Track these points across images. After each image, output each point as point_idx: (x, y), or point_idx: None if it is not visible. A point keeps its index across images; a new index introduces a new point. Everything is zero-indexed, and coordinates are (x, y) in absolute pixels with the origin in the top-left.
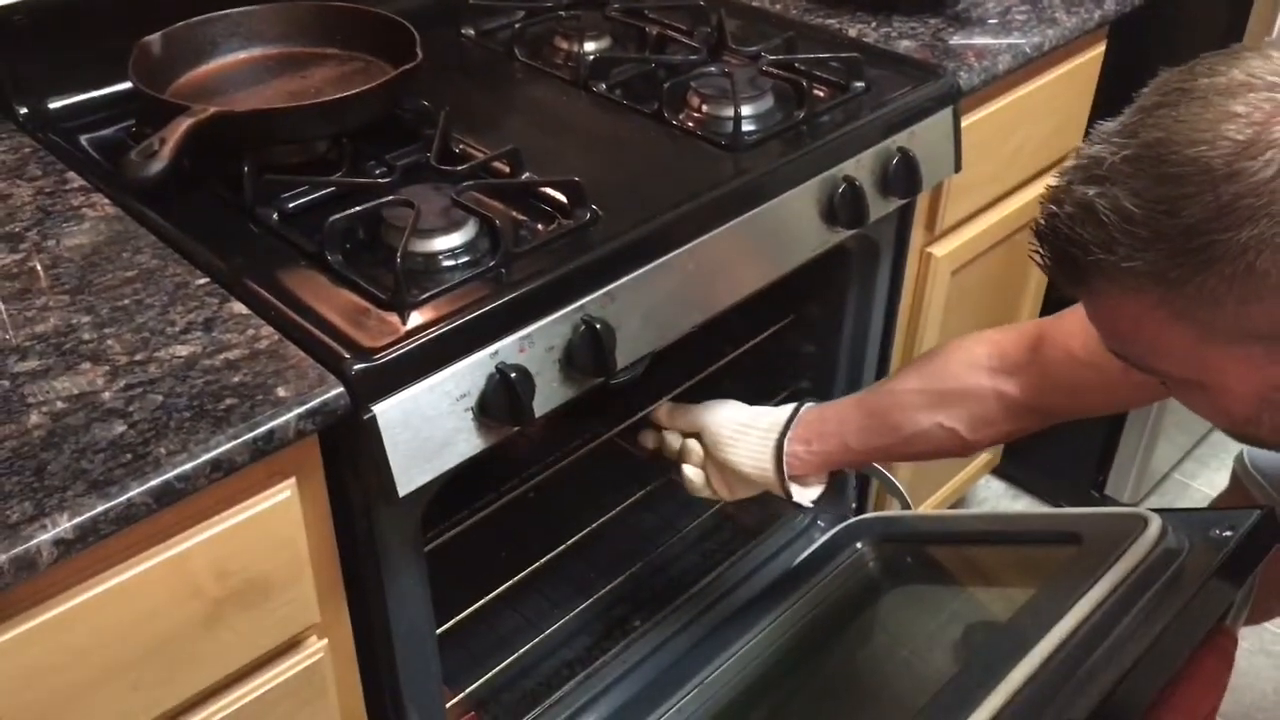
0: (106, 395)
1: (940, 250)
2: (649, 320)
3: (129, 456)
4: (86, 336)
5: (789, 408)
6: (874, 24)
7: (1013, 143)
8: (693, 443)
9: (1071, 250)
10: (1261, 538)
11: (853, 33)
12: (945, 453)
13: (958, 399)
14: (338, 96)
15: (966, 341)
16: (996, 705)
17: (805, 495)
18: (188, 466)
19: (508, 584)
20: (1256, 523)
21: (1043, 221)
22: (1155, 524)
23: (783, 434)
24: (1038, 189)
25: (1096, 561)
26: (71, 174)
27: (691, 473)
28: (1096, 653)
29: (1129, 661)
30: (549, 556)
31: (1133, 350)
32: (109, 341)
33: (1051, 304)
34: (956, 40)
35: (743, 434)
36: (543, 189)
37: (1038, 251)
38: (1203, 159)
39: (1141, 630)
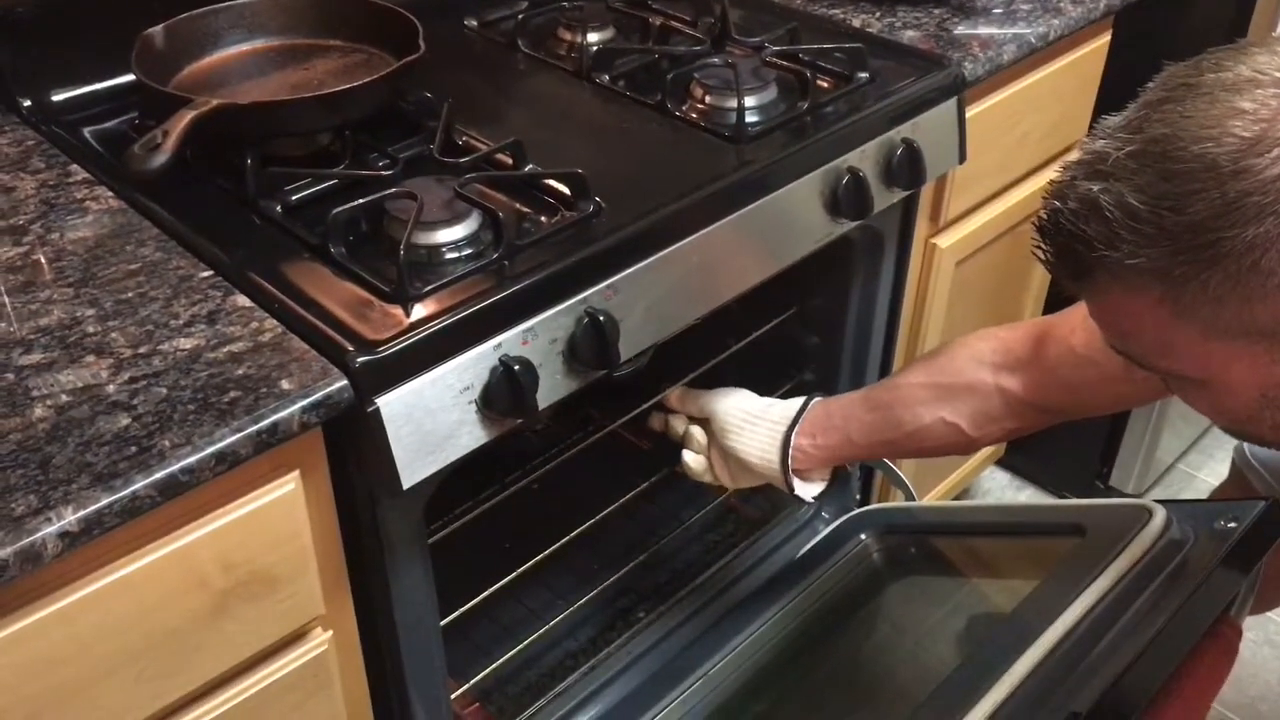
0: (111, 388)
1: (944, 241)
2: (652, 312)
3: (133, 449)
4: (90, 329)
5: (798, 401)
6: (878, 14)
7: (1017, 133)
8: (697, 429)
9: (1074, 246)
10: (1266, 529)
11: (856, 23)
12: (949, 449)
13: (961, 394)
14: (340, 88)
15: (972, 338)
16: (1001, 696)
17: (807, 490)
18: (192, 459)
19: (511, 576)
20: (1261, 514)
21: (1045, 216)
22: (1160, 515)
23: (790, 427)
24: (1042, 180)
25: (1101, 553)
26: (75, 166)
27: (691, 459)
28: (1101, 644)
29: (1133, 653)
30: (553, 548)
31: (1134, 347)
32: (113, 334)
33: (1055, 296)
34: (961, 30)
35: (751, 424)
36: (546, 181)
37: (1040, 247)
38: (1208, 155)
39: (1146, 621)
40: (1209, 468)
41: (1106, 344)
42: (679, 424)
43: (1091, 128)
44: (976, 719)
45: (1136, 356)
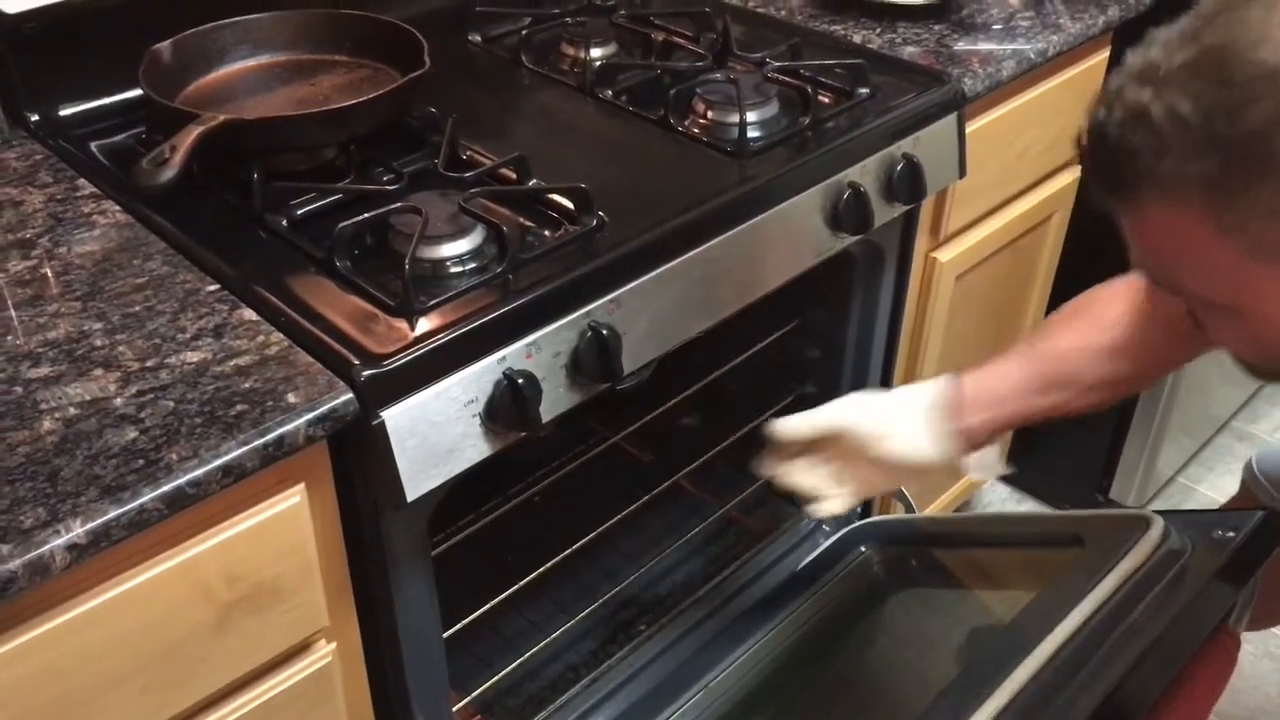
0: (118, 401)
1: (945, 255)
2: (655, 326)
3: (141, 462)
4: (98, 343)
5: (933, 386)
6: (878, 30)
7: (1017, 148)
8: (822, 480)
9: (1118, 158)
10: (1264, 539)
11: (857, 39)
12: (1120, 395)
13: (1122, 347)
14: (346, 104)
15: (1105, 292)
16: (1000, 704)
17: (989, 468)
18: (199, 472)
19: (514, 588)
20: (1259, 524)
21: (1088, 126)
22: (1158, 526)
23: (950, 414)
24: (1042, 195)
25: (1099, 563)
26: (82, 181)
27: (837, 505)
28: (1099, 652)
29: (1131, 661)
30: (555, 560)
31: (1169, 269)
32: (120, 348)
33: (1056, 306)
34: (961, 46)
35: (895, 425)
36: (549, 195)
37: (1080, 158)
38: (1267, 63)
39: (1144, 630)
40: (1209, 480)
41: (1135, 265)
42: (804, 477)
43: (1136, 44)
44: None
45: (1168, 279)
